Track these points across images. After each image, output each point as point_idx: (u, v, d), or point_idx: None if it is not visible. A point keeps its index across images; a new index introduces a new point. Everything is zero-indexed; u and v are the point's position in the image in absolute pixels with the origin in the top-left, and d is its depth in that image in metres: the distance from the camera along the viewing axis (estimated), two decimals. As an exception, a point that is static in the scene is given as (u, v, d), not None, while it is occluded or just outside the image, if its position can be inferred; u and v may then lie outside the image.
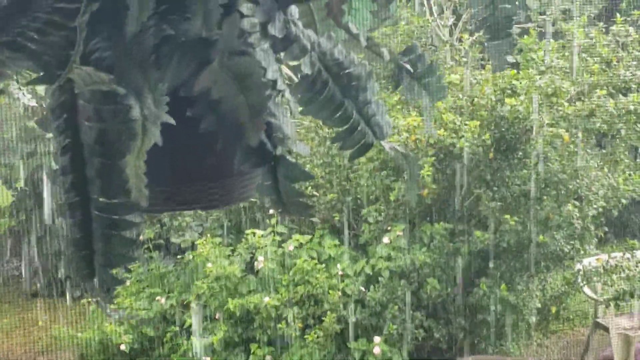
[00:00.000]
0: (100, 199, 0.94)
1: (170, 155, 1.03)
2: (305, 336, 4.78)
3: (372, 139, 1.08)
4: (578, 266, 5.06)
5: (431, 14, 6.61)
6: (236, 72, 0.89)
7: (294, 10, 1.02)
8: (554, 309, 5.10)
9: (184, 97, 0.91)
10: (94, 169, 0.94)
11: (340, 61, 1.04)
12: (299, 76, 1.03)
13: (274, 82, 0.92)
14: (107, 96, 0.88)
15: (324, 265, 5.00)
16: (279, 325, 4.75)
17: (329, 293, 4.83)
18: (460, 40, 6.46)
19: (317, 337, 4.72)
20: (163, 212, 1.17)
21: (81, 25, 0.88)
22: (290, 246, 5.12)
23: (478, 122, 4.86)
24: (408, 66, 1.20)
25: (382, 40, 5.97)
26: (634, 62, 5.22)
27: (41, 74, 0.93)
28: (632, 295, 5.02)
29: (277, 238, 5.19)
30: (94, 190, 0.94)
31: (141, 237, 5.37)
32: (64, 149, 0.97)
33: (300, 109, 1.03)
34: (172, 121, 0.89)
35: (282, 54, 0.98)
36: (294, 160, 0.95)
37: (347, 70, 1.04)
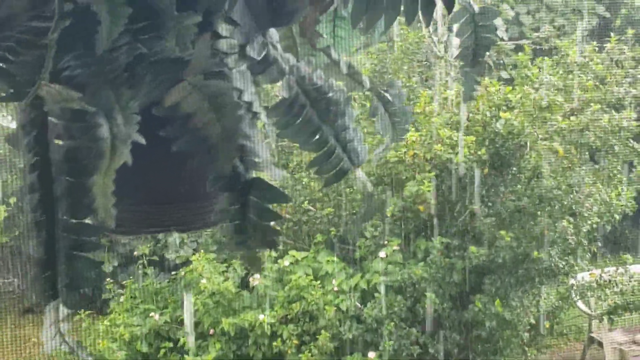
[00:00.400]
0: (66, 219, 0.92)
1: (145, 176, 1.02)
2: (300, 354, 4.75)
3: (348, 165, 1.07)
4: (572, 281, 5.06)
5: (427, 29, 6.64)
6: (208, 93, 0.89)
7: (273, 33, 1.02)
8: (548, 324, 5.10)
9: (161, 117, 0.91)
10: (61, 188, 0.92)
11: (319, 86, 1.03)
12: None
13: (250, 104, 0.92)
14: (77, 114, 0.88)
15: (319, 281, 4.98)
16: (274, 343, 4.73)
17: (325, 309, 4.81)
18: (453, 56, 6.50)
19: (312, 355, 4.69)
20: (137, 234, 1.16)
21: (51, 42, 0.87)
22: (286, 262, 5.10)
23: (474, 138, 4.88)
24: (388, 96, 1.21)
25: (378, 56, 5.98)
26: (628, 79, 5.25)
27: (10, 91, 0.92)
28: (625, 310, 5.02)
29: (273, 254, 5.17)
30: (60, 209, 0.93)
31: (135, 253, 5.37)
32: (32, 166, 0.96)
33: (277, 132, 1.02)
34: (142, 141, 0.88)
35: (259, 76, 0.98)
36: (270, 182, 0.94)
37: (325, 95, 1.03)
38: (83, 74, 0.91)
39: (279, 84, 0.98)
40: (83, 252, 0.92)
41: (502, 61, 8.09)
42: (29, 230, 0.95)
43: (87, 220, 0.92)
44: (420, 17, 1.11)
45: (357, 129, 1.07)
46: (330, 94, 1.03)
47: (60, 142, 0.92)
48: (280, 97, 1.00)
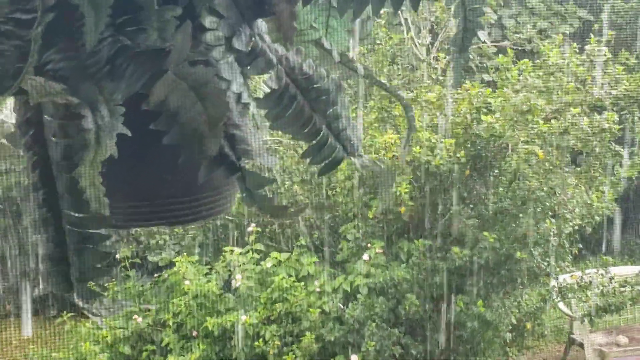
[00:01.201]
0: (71, 213, 0.94)
1: (136, 171, 1.03)
2: (284, 356, 4.75)
3: (342, 153, 1.07)
4: (553, 282, 5.10)
5: (409, 33, 6.68)
6: (191, 82, 0.89)
7: (261, 24, 1.02)
8: (529, 325, 5.13)
9: (150, 112, 0.91)
10: (62, 184, 0.94)
11: (309, 75, 1.02)
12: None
13: (239, 95, 0.92)
14: (70, 111, 0.88)
15: (302, 282, 4.99)
16: (256, 344, 4.72)
17: (308, 311, 4.81)
18: (437, 59, 6.54)
19: (295, 356, 4.69)
20: (128, 227, 1.16)
21: (36, 37, 0.88)
22: (268, 264, 5.10)
23: (454, 140, 4.91)
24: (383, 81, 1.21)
25: (360, 60, 6.01)
26: (608, 81, 5.30)
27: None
28: (606, 311, 5.07)
29: (255, 256, 5.17)
30: (64, 205, 0.94)
31: (118, 256, 5.33)
32: (33, 165, 0.97)
33: (268, 123, 1.02)
34: (127, 132, 0.89)
35: (248, 68, 0.98)
36: (252, 169, 0.95)
37: (315, 85, 1.03)
38: (66, 67, 0.92)
39: (268, 75, 0.98)
40: (91, 245, 0.94)
41: (485, 64, 8.15)
42: (36, 227, 0.97)
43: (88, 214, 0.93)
44: (408, 2, 1.11)
45: (350, 117, 1.06)
46: (321, 83, 1.03)
47: (57, 140, 0.93)
48: (270, 89, 1.00)
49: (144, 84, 0.90)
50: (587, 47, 5.42)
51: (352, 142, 1.06)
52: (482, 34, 8.95)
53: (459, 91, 5.32)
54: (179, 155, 0.92)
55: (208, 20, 0.95)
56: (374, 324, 4.77)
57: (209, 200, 1.05)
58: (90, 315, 1.01)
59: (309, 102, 1.02)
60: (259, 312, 4.85)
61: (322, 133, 1.05)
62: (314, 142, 1.05)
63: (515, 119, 4.76)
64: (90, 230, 0.94)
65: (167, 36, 0.89)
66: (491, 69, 7.92)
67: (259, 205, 0.94)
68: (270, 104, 1.00)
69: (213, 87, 0.88)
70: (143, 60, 0.89)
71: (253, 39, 0.96)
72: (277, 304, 4.86)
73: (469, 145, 4.94)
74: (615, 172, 5.46)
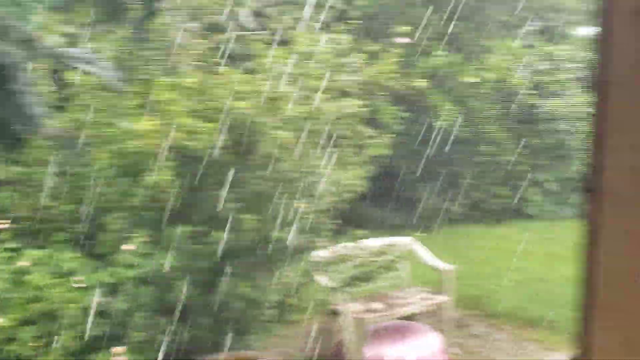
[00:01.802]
0: None
1: None
2: (43, 356, 4.52)
3: (23, 129, 1.04)
4: (312, 257, 5.39)
5: (170, 18, 6.63)
6: None
7: None
8: (292, 300, 5.38)
9: None
10: None
11: None
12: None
13: None
14: None
15: (62, 279, 4.77)
16: (10, 347, 4.44)
17: (67, 308, 4.62)
18: (197, 44, 6.57)
19: (55, 355, 4.49)
20: None
21: None
22: (23, 262, 4.81)
23: (214, 125, 4.98)
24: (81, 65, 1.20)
25: (120, 45, 5.84)
26: (352, 68, 5.69)
27: None
28: (361, 280, 5.47)
29: (8, 254, 4.85)
30: None
31: None
32: None
33: None
34: None
35: None
36: None
37: None
38: None
39: None
40: None
41: (247, 52, 8.33)
42: None
43: None
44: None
45: (35, 94, 1.04)
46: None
47: None
48: None
49: None
50: (332, 35, 5.77)
51: (33, 118, 1.04)
52: (247, 22, 9.13)
53: (217, 76, 5.40)
54: None
55: None
56: (140, 315, 4.71)
57: None
58: None
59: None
60: (13, 314, 4.56)
61: (-5, 109, 1.01)
62: None
63: (266, 105, 4.94)
64: None
65: None
66: (253, 57, 8.13)
67: None
68: None
69: None
70: None
71: None
72: (33, 304, 4.60)
73: (228, 131, 5.04)
74: (364, 152, 5.89)
